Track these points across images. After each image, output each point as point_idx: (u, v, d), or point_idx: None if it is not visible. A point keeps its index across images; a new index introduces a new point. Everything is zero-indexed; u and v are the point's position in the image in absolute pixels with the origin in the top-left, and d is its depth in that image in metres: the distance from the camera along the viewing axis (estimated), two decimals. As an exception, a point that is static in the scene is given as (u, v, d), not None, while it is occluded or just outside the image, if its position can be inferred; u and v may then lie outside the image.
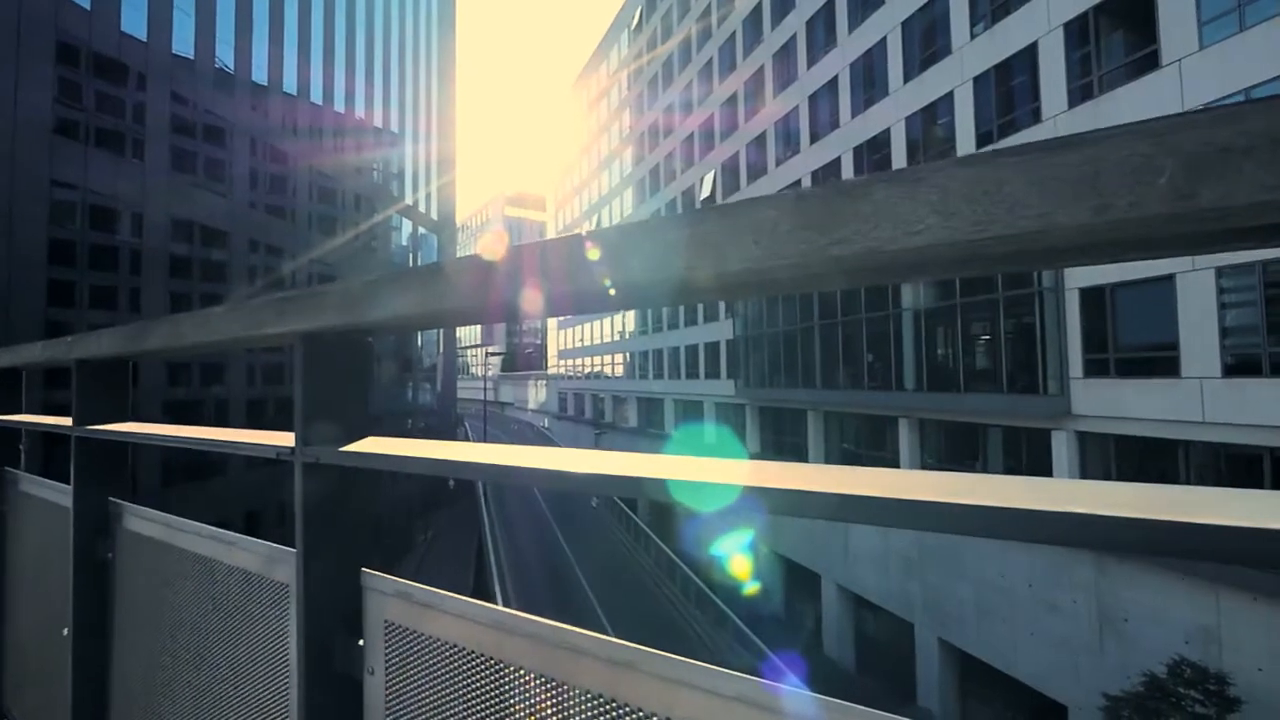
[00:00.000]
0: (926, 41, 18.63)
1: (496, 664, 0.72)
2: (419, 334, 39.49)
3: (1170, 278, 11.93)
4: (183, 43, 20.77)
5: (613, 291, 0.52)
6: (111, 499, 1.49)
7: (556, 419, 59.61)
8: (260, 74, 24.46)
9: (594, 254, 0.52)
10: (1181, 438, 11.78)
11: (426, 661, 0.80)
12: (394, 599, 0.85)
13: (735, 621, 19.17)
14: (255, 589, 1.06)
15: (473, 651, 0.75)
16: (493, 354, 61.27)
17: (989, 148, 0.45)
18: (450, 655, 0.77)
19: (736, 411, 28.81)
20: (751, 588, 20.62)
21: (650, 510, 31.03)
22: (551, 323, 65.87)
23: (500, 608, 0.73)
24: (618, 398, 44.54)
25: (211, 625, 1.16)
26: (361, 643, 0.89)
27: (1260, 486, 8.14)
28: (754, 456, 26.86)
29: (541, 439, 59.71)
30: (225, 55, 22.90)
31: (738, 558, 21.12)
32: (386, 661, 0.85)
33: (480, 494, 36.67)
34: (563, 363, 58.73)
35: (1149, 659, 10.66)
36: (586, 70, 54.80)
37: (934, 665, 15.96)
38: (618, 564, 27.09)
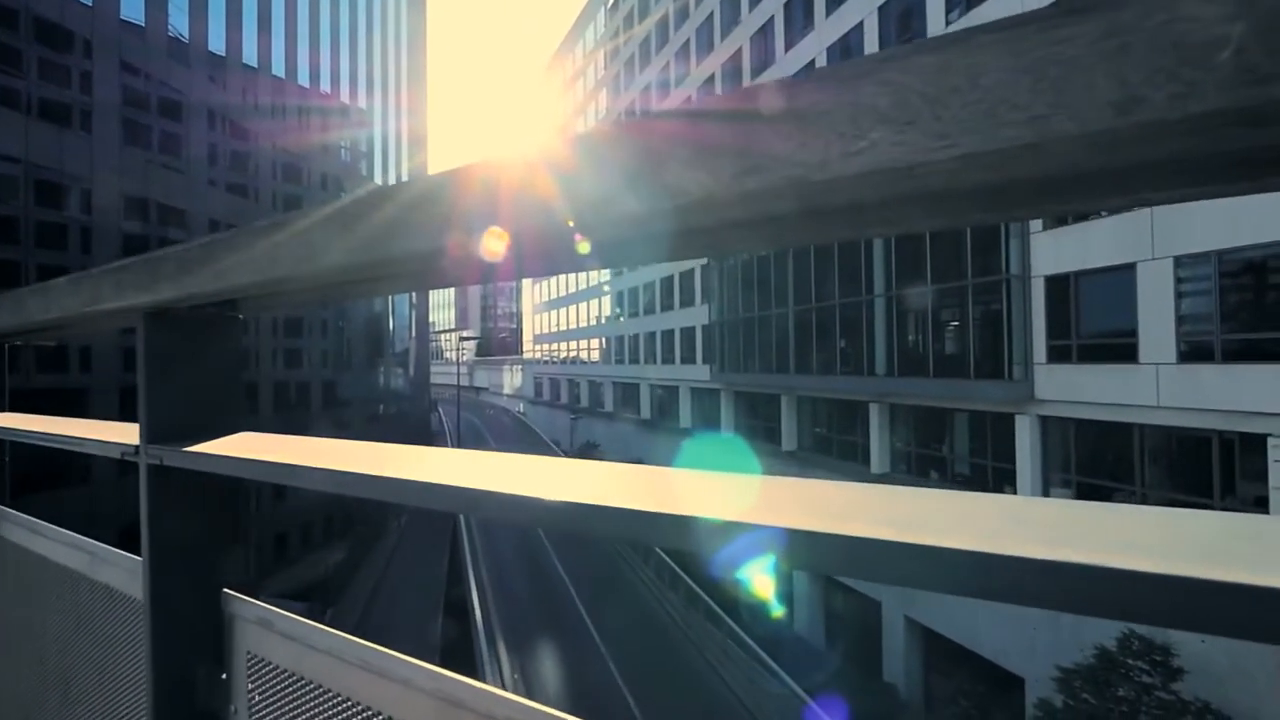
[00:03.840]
0: (903, 27, 18.62)
1: (366, 712, 0.61)
2: (390, 318, 38.66)
3: (1131, 266, 12.24)
4: (132, 8, 19.62)
5: (459, 255, 0.41)
6: None
7: (532, 404, 59.26)
8: (218, 44, 23.30)
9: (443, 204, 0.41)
10: (1137, 421, 12.18)
11: (291, 704, 0.68)
12: (257, 627, 0.73)
13: (706, 601, 19.40)
14: (117, 607, 0.92)
15: (339, 695, 0.63)
16: (466, 338, 60.47)
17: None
18: (316, 698, 0.65)
19: (712, 396, 28.95)
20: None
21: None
22: (527, 307, 65.16)
23: (374, 645, 0.61)
24: (594, 383, 44.41)
25: (78, 646, 1.02)
26: (225, 676, 0.76)
27: (1207, 467, 8.32)
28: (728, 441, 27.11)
29: (517, 424, 59.35)
30: (179, 23, 21.74)
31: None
32: (250, 700, 0.73)
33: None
34: (538, 348, 58.23)
35: (1100, 633, 11.10)
36: (562, 49, 53.64)
37: (899, 641, 16.44)
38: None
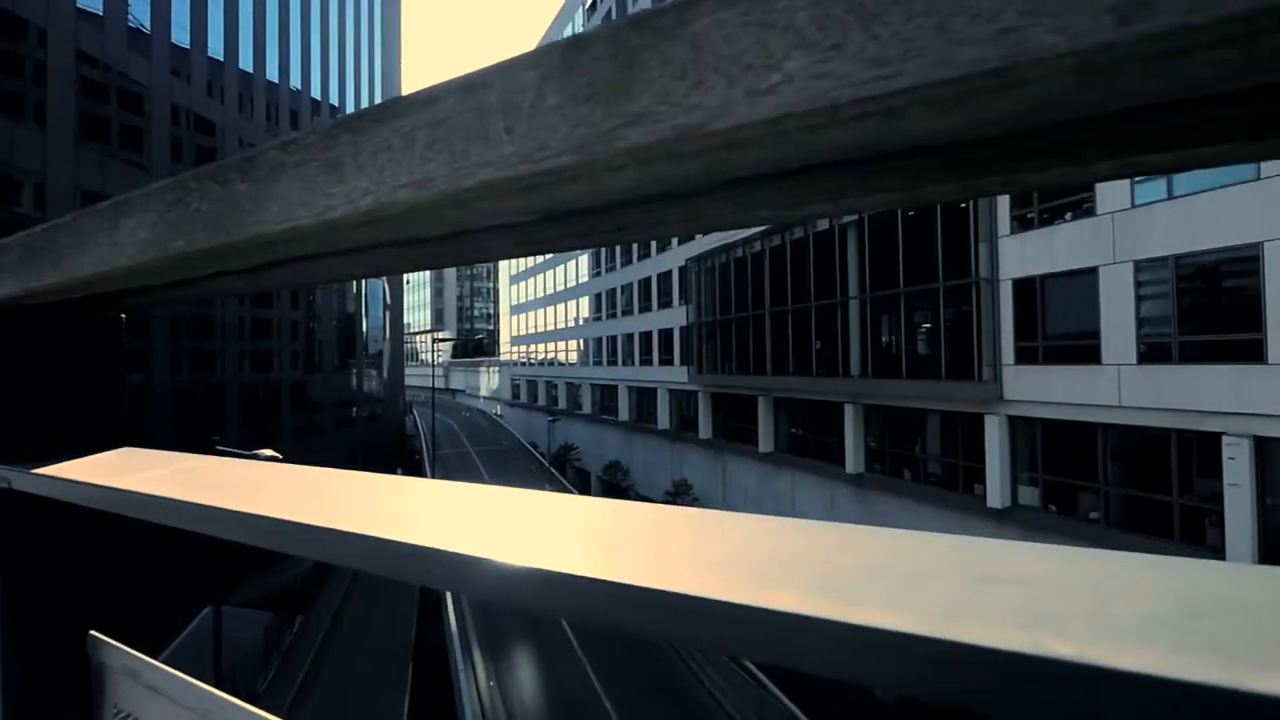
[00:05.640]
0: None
1: None
2: (363, 319, 37.92)
3: (1094, 270, 12.60)
4: (89, -4, 18.91)
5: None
6: None
7: (509, 406, 58.70)
8: (182, 36, 22.60)
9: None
10: (1100, 421, 12.53)
11: None
12: (124, 678, 0.63)
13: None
14: None
15: None
16: (442, 340, 59.68)
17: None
18: None
19: (690, 398, 29.00)
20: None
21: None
22: (504, 308, 64.61)
23: (246, 706, 0.52)
24: (572, 384, 44.18)
25: None
26: None
27: (1166, 465, 8.45)
28: (706, 440, 27.17)
29: (494, 426, 58.73)
30: (140, 13, 21.02)
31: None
32: None
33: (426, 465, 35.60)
34: (515, 349, 57.74)
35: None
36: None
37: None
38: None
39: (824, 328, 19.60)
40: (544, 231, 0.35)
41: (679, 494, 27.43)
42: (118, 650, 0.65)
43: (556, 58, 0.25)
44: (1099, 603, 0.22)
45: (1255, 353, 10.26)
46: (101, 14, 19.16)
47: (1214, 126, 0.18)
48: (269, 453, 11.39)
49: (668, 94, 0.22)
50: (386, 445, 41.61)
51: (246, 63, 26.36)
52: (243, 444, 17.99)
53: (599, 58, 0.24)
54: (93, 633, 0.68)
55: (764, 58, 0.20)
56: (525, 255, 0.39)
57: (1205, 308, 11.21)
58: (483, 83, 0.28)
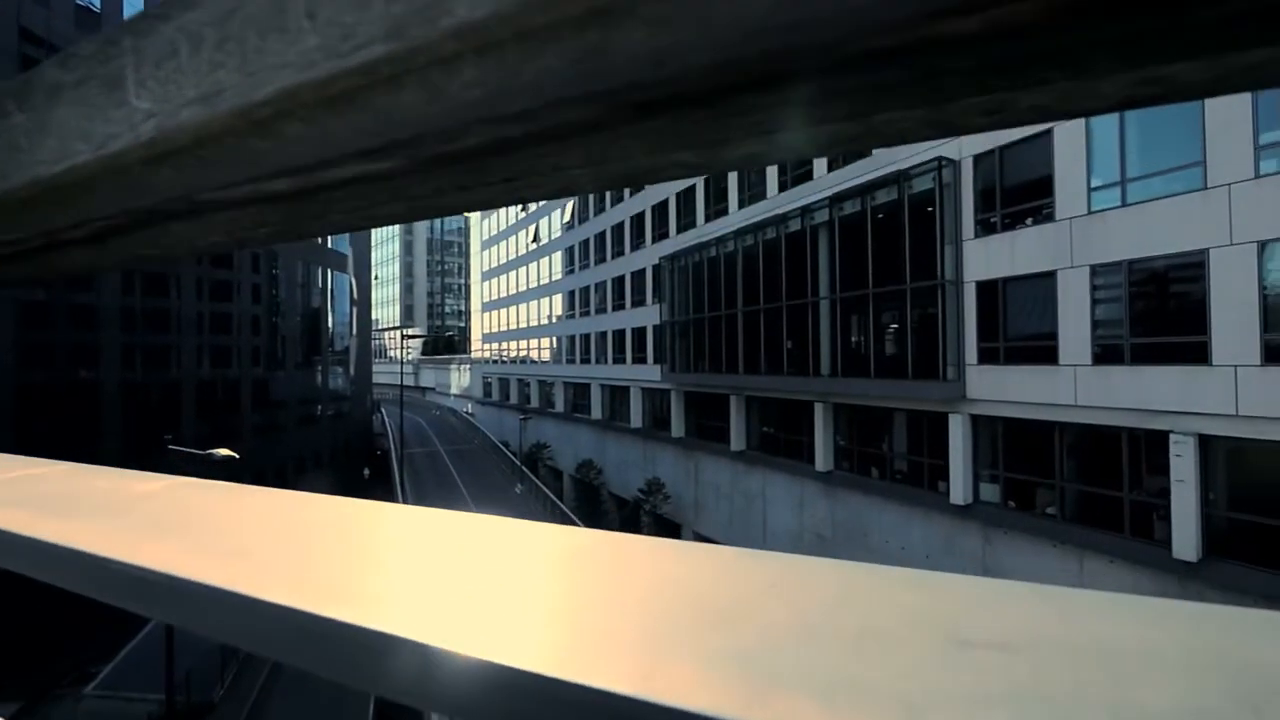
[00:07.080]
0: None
1: None
2: (329, 314, 36.91)
3: (1053, 273, 13.00)
4: (33, -29, 17.94)
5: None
6: None
7: (481, 404, 57.95)
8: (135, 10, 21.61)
9: None
10: (1057, 419, 12.95)
11: None
12: None
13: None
14: None
15: None
16: (411, 337, 58.51)
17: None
18: None
19: (663, 396, 29.05)
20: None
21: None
22: (475, 305, 63.72)
23: None
24: (544, 383, 43.83)
25: None
26: None
27: (1117, 462, 8.72)
28: (678, 439, 27.24)
29: (465, 425, 57.91)
30: (90, -10, 20.03)
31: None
32: None
33: (394, 466, 34.99)
34: (487, 347, 57.03)
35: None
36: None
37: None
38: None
39: (795, 327, 19.82)
40: (415, 187, 0.29)
41: (651, 493, 27.44)
42: None
43: None
44: (1119, 686, 0.14)
45: (1200, 354, 10.73)
46: (47, -10, 18.20)
47: (1262, 21, 0.12)
48: (224, 452, 10.97)
49: None
50: (353, 444, 40.64)
51: (205, 47, 25.39)
52: (198, 443, 17.30)
53: None
54: None
55: None
56: (401, 220, 0.33)
57: (1155, 311, 11.67)
58: None
